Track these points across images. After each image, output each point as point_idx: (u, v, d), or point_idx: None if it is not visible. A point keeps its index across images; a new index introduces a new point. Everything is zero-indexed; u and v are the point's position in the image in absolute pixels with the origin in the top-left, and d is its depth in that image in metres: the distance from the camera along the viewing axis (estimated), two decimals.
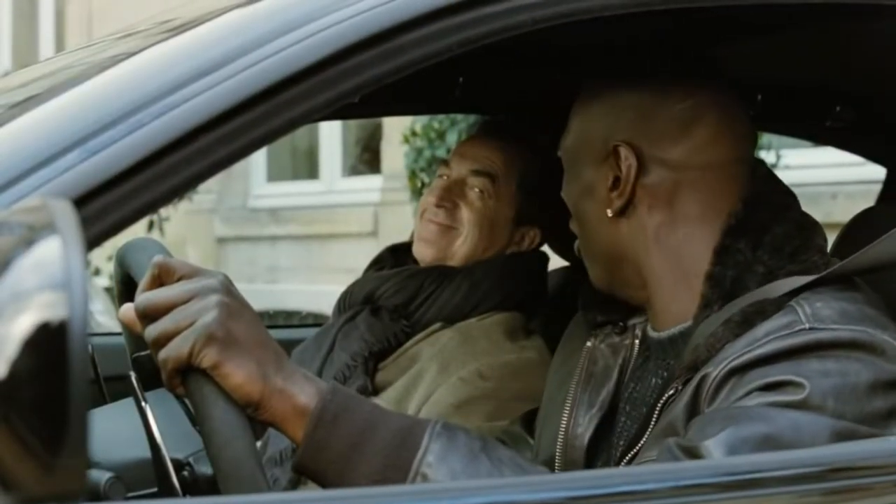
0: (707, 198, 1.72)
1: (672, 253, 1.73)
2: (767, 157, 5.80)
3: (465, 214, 2.41)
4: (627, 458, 1.66)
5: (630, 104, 1.75)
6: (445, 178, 2.45)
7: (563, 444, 1.80)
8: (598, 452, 1.77)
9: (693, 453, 1.44)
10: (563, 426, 1.81)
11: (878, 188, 2.78)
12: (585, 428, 1.79)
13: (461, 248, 2.41)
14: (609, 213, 1.75)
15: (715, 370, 1.53)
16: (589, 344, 1.86)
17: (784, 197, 1.76)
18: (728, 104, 1.76)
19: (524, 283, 2.42)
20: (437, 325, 2.35)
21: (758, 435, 1.43)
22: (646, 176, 1.73)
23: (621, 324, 1.84)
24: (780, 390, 1.47)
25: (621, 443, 1.74)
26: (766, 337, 1.52)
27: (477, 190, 2.41)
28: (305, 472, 1.41)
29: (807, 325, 1.51)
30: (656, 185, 1.73)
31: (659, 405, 1.63)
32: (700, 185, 1.73)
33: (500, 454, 1.42)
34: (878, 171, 2.79)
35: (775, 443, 1.42)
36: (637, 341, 1.81)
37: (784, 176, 1.83)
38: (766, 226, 1.69)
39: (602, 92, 1.79)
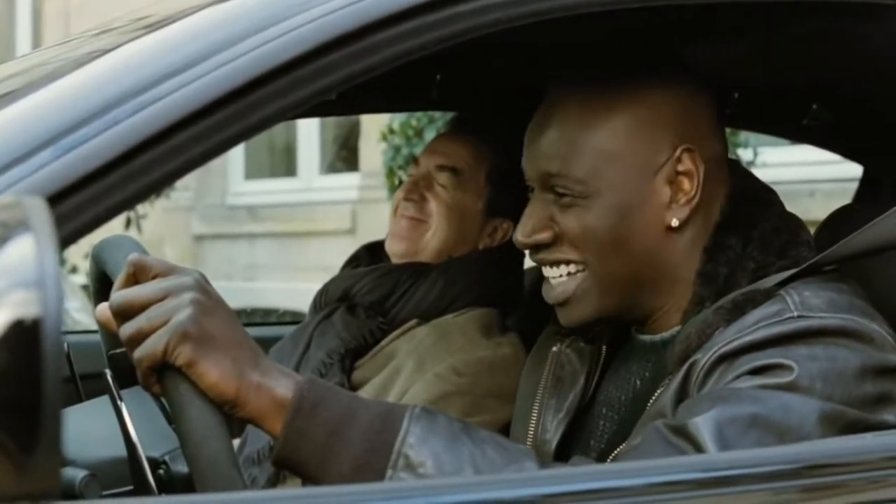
0: (708, 195, 1.71)
1: (688, 256, 1.71)
2: (745, 154, 5.81)
3: (434, 207, 2.41)
4: (610, 458, 1.66)
5: (666, 107, 1.69)
6: (415, 174, 2.46)
7: (532, 449, 1.80)
8: (568, 456, 1.77)
9: (681, 431, 1.44)
10: (531, 431, 1.82)
11: (855, 186, 2.79)
12: (553, 433, 1.79)
13: (431, 241, 2.41)
14: (675, 222, 1.68)
15: (704, 356, 1.54)
16: (555, 349, 1.86)
17: (766, 192, 1.77)
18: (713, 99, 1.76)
19: (500, 280, 2.42)
20: (413, 321, 2.35)
21: (746, 414, 1.44)
22: (704, 178, 1.69)
23: (590, 336, 1.83)
24: (769, 373, 1.48)
25: (602, 445, 1.74)
26: (755, 324, 1.53)
27: (441, 183, 2.41)
28: (286, 464, 1.40)
29: (795, 314, 1.53)
30: (706, 183, 1.69)
31: (650, 402, 1.62)
32: (709, 181, 1.71)
33: (481, 434, 1.43)
34: (856, 169, 2.80)
35: (764, 423, 1.43)
36: (604, 346, 1.81)
37: (762, 173, 1.84)
38: (753, 221, 1.69)
39: (613, 104, 1.70)
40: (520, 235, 1.74)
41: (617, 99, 1.70)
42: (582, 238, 1.70)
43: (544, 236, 1.72)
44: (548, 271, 1.75)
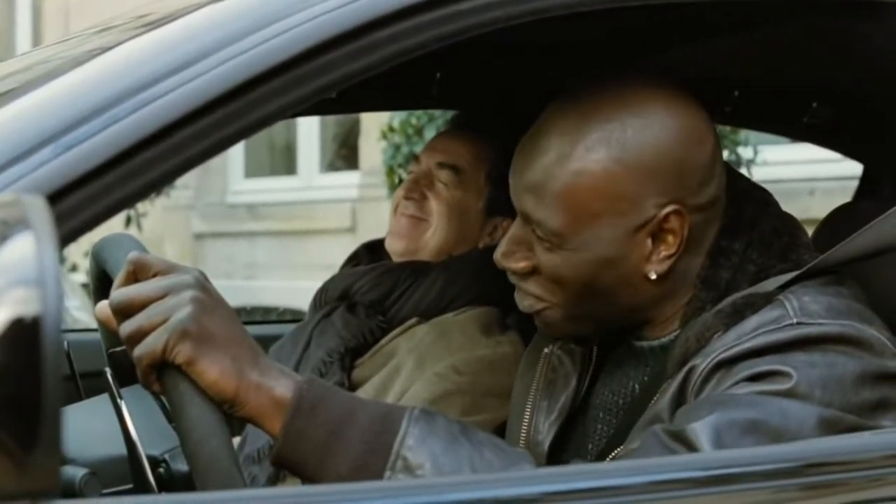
0: (698, 238, 1.66)
1: (684, 274, 1.68)
2: (745, 153, 5.81)
3: (434, 205, 2.41)
4: (608, 460, 1.66)
5: (656, 164, 1.61)
6: (415, 172, 2.46)
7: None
8: (561, 458, 1.77)
9: (679, 437, 1.44)
10: (524, 433, 1.81)
11: (855, 184, 2.79)
12: (545, 435, 1.78)
13: (431, 239, 2.41)
14: (653, 275, 1.63)
15: (703, 362, 1.53)
16: (546, 350, 1.84)
17: (759, 191, 1.75)
18: (702, 108, 1.68)
19: (500, 279, 2.41)
20: (413, 320, 2.35)
21: (745, 419, 1.43)
22: (690, 228, 1.63)
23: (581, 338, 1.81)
24: (768, 380, 1.47)
25: (599, 449, 1.73)
26: (754, 331, 1.52)
27: (442, 181, 2.41)
28: (285, 464, 1.40)
29: (794, 320, 1.52)
30: (695, 229, 1.64)
31: (649, 406, 1.62)
32: (699, 228, 1.66)
33: (480, 436, 1.43)
34: (856, 168, 2.80)
35: (762, 428, 1.43)
36: (596, 348, 1.80)
37: (762, 172, 1.85)
38: (754, 223, 1.68)
39: (598, 160, 1.61)
40: (498, 255, 1.72)
41: (603, 155, 1.61)
42: (555, 279, 1.67)
43: (521, 266, 1.70)
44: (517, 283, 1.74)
